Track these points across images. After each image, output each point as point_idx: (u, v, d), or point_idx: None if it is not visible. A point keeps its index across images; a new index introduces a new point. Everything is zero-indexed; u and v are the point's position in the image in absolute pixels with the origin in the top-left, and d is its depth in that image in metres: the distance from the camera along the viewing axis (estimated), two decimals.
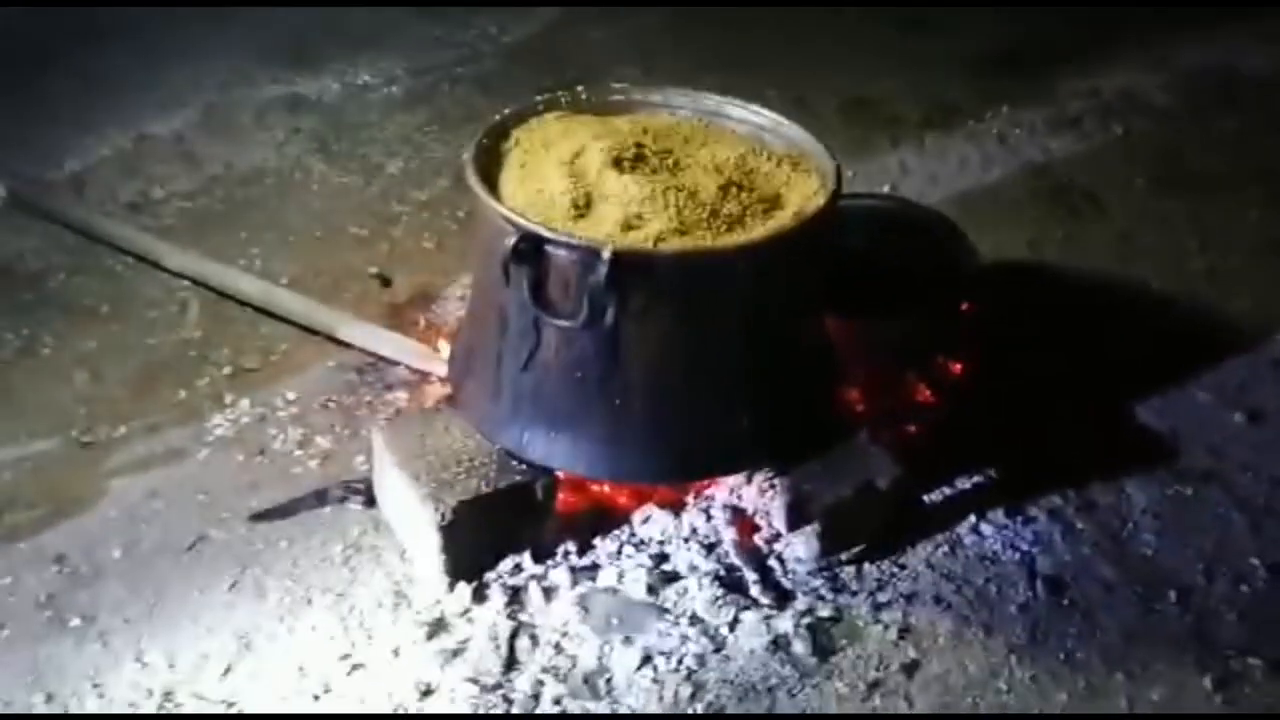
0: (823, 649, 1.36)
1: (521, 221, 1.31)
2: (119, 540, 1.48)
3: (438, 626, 1.37)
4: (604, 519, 1.49)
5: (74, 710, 1.29)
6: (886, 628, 1.39)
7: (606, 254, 1.26)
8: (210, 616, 1.38)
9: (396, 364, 1.72)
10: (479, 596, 1.39)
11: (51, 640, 1.36)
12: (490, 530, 1.40)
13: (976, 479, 1.58)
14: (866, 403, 1.63)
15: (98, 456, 1.60)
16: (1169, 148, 2.36)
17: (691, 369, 1.37)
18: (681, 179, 1.39)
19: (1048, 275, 2.02)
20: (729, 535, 1.46)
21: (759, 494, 1.48)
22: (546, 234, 1.30)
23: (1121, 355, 1.83)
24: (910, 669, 1.36)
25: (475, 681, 1.31)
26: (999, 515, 1.54)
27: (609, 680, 1.32)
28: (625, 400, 1.37)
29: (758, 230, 1.35)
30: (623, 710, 1.29)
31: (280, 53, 2.55)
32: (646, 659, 1.34)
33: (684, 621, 1.37)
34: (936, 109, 2.44)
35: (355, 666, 1.33)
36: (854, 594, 1.43)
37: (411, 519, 1.42)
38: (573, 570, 1.42)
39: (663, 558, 1.44)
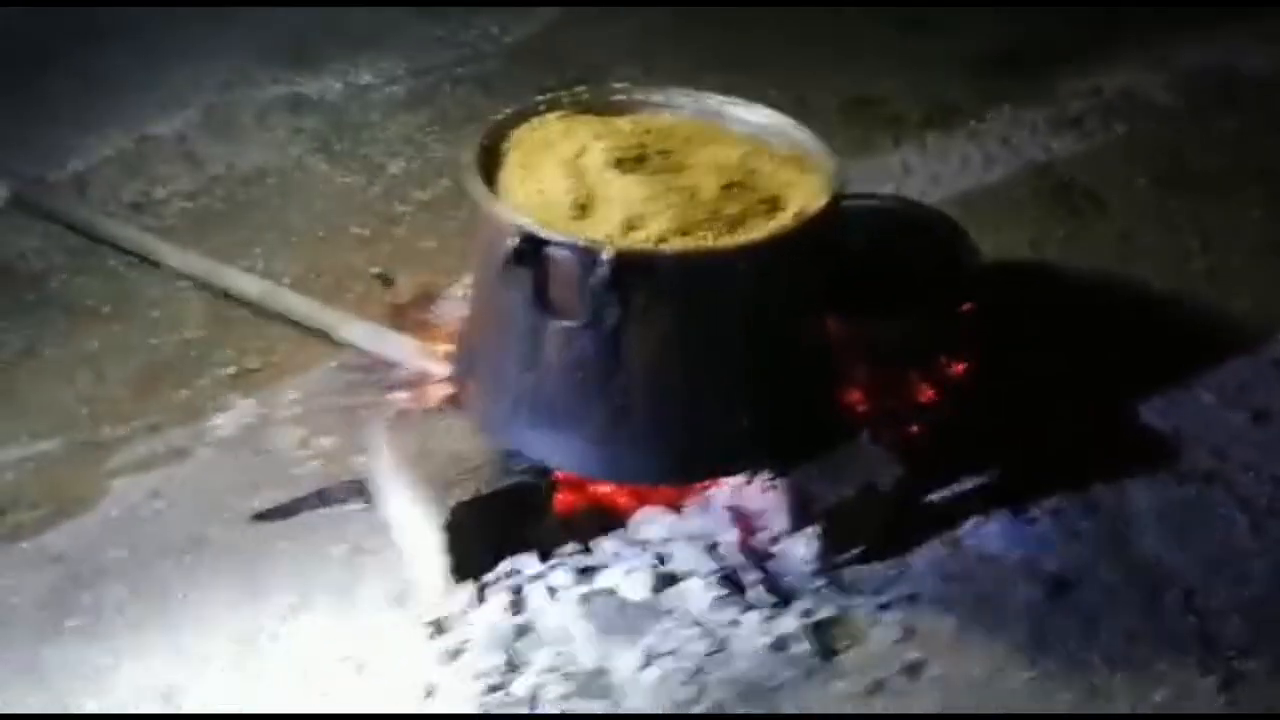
0: (824, 650, 1.36)
1: (522, 222, 1.31)
2: (121, 540, 1.48)
3: (439, 627, 1.37)
4: (605, 519, 1.48)
5: (74, 711, 1.29)
6: (888, 629, 1.39)
7: (607, 255, 1.26)
8: (211, 617, 1.39)
9: (398, 364, 1.72)
10: (480, 597, 1.39)
11: (53, 640, 1.36)
12: (492, 531, 1.40)
13: (978, 479, 1.58)
14: (868, 403, 1.62)
15: (100, 456, 1.60)
16: (1170, 147, 2.36)
17: (693, 369, 1.37)
18: (683, 179, 1.39)
19: (1049, 275, 2.02)
20: (730, 536, 1.46)
21: (760, 494, 1.48)
22: (547, 235, 1.30)
23: (1123, 355, 1.82)
24: (912, 670, 1.36)
25: (476, 682, 1.31)
26: (1000, 516, 1.54)
27: (610, 681, 1.32)
28: (626, 401, 1.37)
29: (759, 231, 1.35)
30: (624, 711, 1.29)
31: (281, 53, 2.56)
32: (648, 660, 1.34)
33: (685, 622, 1.37)
34: (938, 109, 2.44)
35: (357, 667, 1.34)
36: (855, 595, 1.43)
37: (413, 519, 1.42)
38: (574, 571, 1.42)
39: (664, 559, 1.44)
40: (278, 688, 1.31)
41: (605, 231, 1.32)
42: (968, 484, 1.58)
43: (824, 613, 1.40)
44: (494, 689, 1.31)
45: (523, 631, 1.36)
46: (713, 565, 1.43)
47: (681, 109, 1.55)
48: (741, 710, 1.30)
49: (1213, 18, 2.74)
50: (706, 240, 1.32)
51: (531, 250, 1.30)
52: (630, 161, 1.41)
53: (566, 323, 1.32)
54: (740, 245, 1.33)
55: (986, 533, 1.52)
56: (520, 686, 1.31)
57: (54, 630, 1.37)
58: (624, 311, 1.30)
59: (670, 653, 1.34)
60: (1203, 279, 2.02)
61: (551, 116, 1.50)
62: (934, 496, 1.56)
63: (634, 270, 1.28)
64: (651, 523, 1.48)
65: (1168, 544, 1.52)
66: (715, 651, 1.35)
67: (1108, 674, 1.36)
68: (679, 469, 1.44)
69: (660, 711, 1.30)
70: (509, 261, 1.30)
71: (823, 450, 1.46)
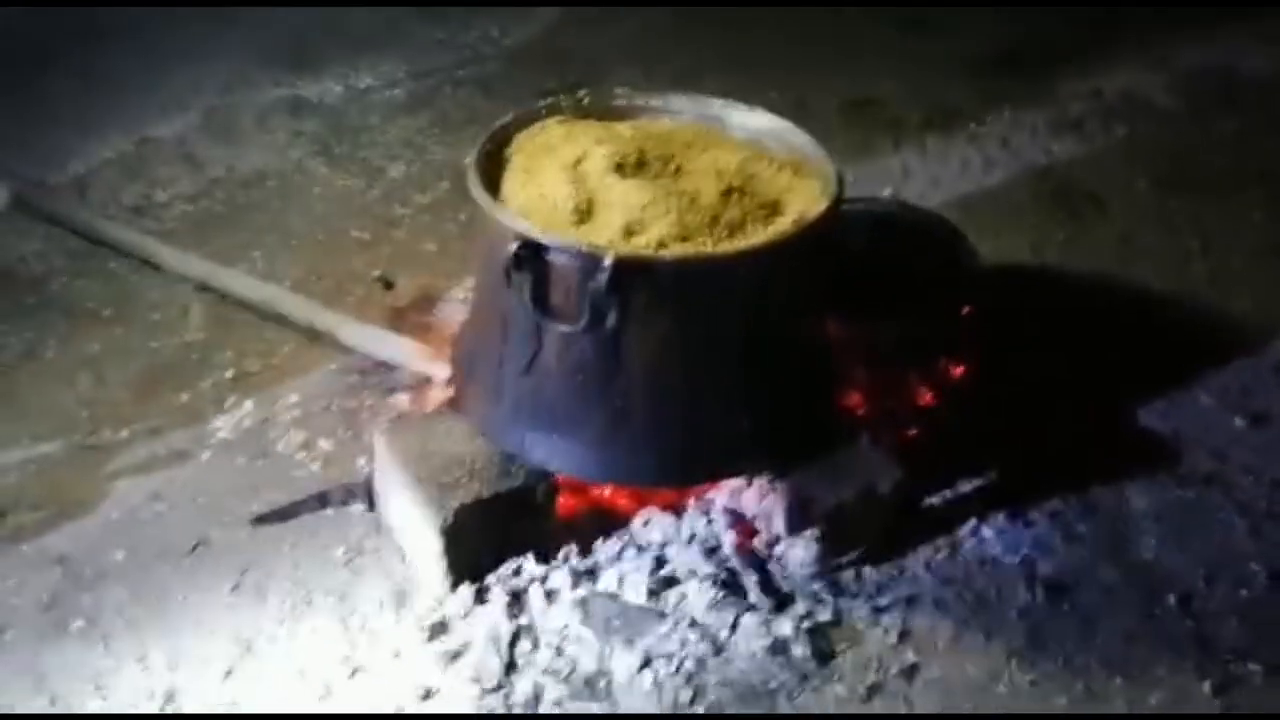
0: (822, 652, 1.37)
1: (523, 228, 1.31)
2: (121, 543, 1.48)
3: (439, 629, 1.37)
4: (605, 522, 1.49)
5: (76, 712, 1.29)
6: (886, 631, 1.39)
7: (608, 260, 1.27)
8: (212, 619, 1.39)
9: (398, 367, 1.72)
10: (480, 599, 1.39)
11: (54, 642, 1.36)
12: (491, 533, 1.41)
13: (977, 482, 1.58)
14: (867, 405, 1.63)
15: (100, 459, 1.61)
16: (1171, 149, 2.36)
17: (692, 373, 1.37)
18: (683, 184, 1.40)
19: (1049, 277, 2.02)
20: (729, 538, 1.47)
21: (759, 497, 1.48)
22: (548, 240, 1.30)
23: (1123, 358, 1.83)
24: (910, 672, 1.36)
25: (476, 684, 1.31)
26: (999, 519, 1.54)
27: (609, 683, 1.33)
28: (626, 404, 1.37)
29: (759, 236, 1.35)
30: (623, 713, 1.30)
31: (281, 55, 2.56)
32: (646, 662, 1.34)
33: (684, 625, 1.38)
34: (938, 111, 2.44)
35: (356, 669, 1.34)
36: (854, 597, 1.43)
37: (413, 522, 1.42)
38: (573, 573, 1.42)
39: (663, 561, 1.45)
40: (278, 690, 1.32)
41: (605, 237, 1.33)
42: (967, 486, 1.58)
43: (822, 615, 1.40)
44: (493, 691, 1.31)
45: (522, 633, 1.36)
46: (712, 568, 1.43)
47: (681, 114, 1.55)
48: (739, 712, 1.31)
49: (1213, 18, 2.74)
50: (706, 246, 1.33)
51: (532, 255, 1.30)
52: (631, 166, 1.41)
53: (566, 327, 1.32)
54: (739, 251, 1.33)
55: (985, 535, 1.52)
56: (520, 688, 1.31)
57: (55, 632, 1.37)
58: (624, 316, 1.30)
59: (669, 655, 1.35)
60: (1203, 281, 2.02)
61: (552, 122, 1.51)
62: (933, 499, 1.56)
63: (634, 275, 1.29)
64: (651, 525, 1.48)
65: (1166, 547, 1.53)
66: (714, 654, 1.35)
67: (1105, 677, 1.37)
68: (678, 472, 1.44)
69: (659, 713, 1.30)
70: (510, 266, 1.30)
71: (822, 453, 1.46)
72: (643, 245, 1.32)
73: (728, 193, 1.38)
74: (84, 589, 1.42)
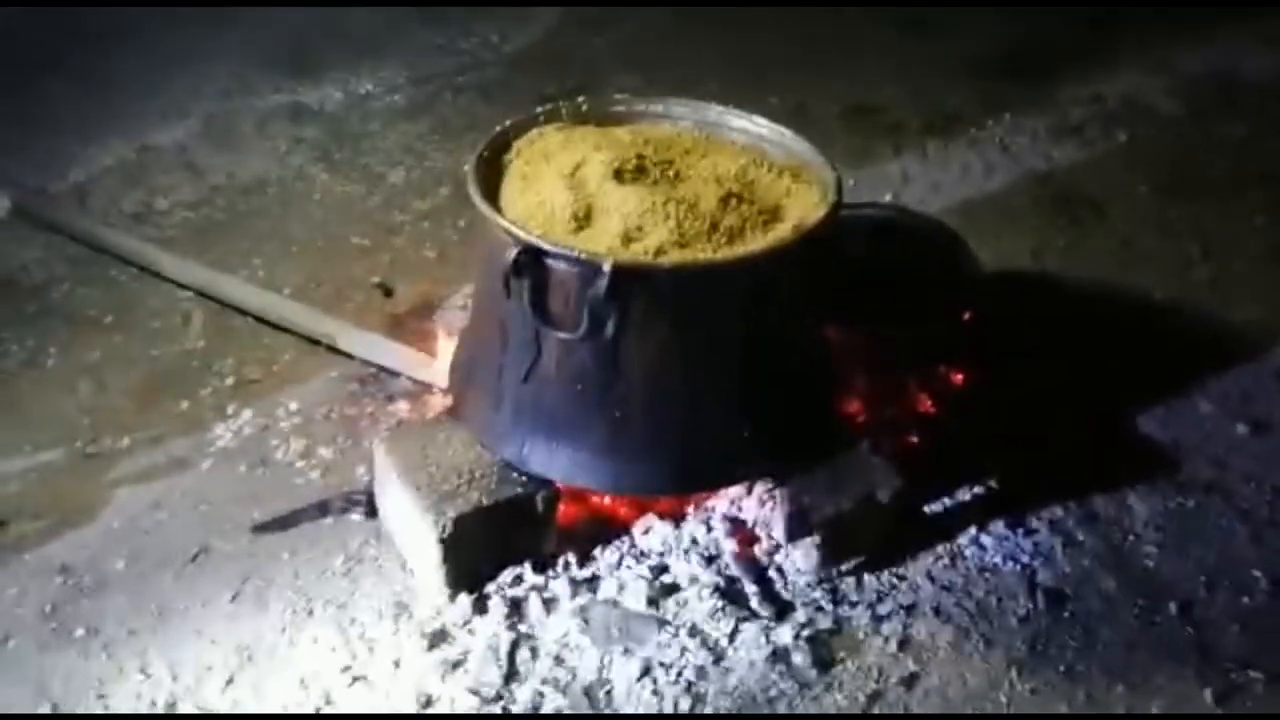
0: (822, 661, 1.36)
1: (522, 234, 1.31)
2: (122, 551, 1.48)
3: (438, 638, 1.37)
4: (604, 530, 1.49)
5: None
6: (886, 640, 1.39)
7: (607, 267, 1.27)
8: (212, 628, 1.39)
9: (398, 375, 1.72)
10: (479, 608, 1.39)
11: (56, 651, 1.36)
12: (491, 542, 1.40)
13: (977, 490, 1.58)
14: (867, 412, 1.62)
15: (101, 467, 1.61)
16: (1172, 154, 2.36)
17: (692, 381, 1.37)
18: (682, 191, 1.39)
19: (1050, 284, 2.02)
20: (729, 546, 1.47)
21: (759, 505, 1.48)
22: (547, 247, 1.30)
23: (1123, 364, 1.82)
24: (910, 681, 1.36)
25: (475, 693, 1.31)
26: (1000, 526, 1.54)
27: (609, 692, 1.33)
28: (625, 412, 1.37)
29: (758, 242, 1.35)
30: None
31: (281, 61, 2.56)
32: (646, 670, 1.34)
33: (684, 633, 1.37)
34: (938, 116, 2.44)
35: (356, 678, 1.34)
36: (854, 605, 1.43)
37: (413, 530, 1.42)
38: (573, 582, 1.42)
39: (663, 569, 1.44)
40: (278, 699, 1.32)
41: (605, 243, 1.33)
42: (967, 493, 1.58)
43: (822, 623, 1.40)
44: (493, 700, 1.31)
45: (522, 642, 1.36)
46: (712, 576, 1.43)
47: (681, 120, 1.55)
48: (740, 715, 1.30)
49: (1213, 20, 2.73)
50: (705, 252, 1.33)
51: (531, 261, 1.30)
52: (630, 173, 1.41)
53: (565, 334, 1.32)
54: (738, 258, 1.33)
55: (985, 543, 1.52)
56: (519, 697, 1.31)
57: (56, 640, 1.37)
58: (623, 323, 1.30)
59: (669, 664, 1.35)
60: (1204, 287, 2.01)
61: (551, 128, 1.51)
62: (933, 506, 1.56)
63: (633, 282, 1.29)
64: (651, 533, 1.48)
65: (1167, 554, 1.52)
66: (714, 662, 1.35)
67: (1106, 685, 1.36)
68: (678, 480, 1.44)
69: (659, 712, 1.30)
70: (509, 272, 1.30)
71: (822, 460, 1.46)
72: (641, 252, 1.32)
73: (727, 199, 1.38)
74: (85, 597, 1.42)
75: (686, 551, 1.46)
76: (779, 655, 1.36)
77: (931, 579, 1.47)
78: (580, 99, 1.58)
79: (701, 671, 1.34)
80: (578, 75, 2.50)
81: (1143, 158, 2.35)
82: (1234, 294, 1.99)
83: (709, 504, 1.51)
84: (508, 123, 1.51)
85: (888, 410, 1.64)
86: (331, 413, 1.69)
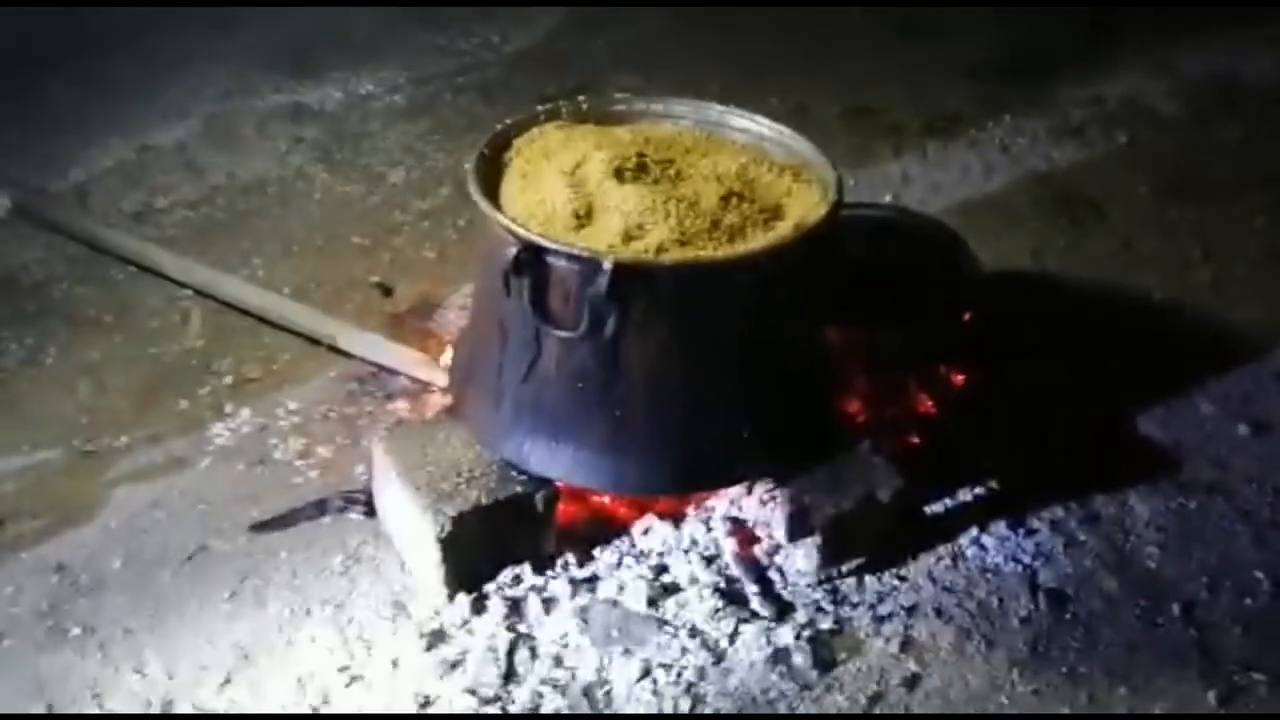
0: (823, 662, 1.36)
1: (522, 232, 1.31)
2: (120, 550, 1.48)
3: (437, 638, 1.36)
4: (604, 530, 1.48)
5: None
6: (887, 640, 1.39)
7: (607, 265, 1.26)
8: (210, 627, 1.39)
9: (397, 374, 1.72)
10: (478, 608, 1.39)
11: (52, 650, 1.36)
12: (490, 541, 1.40)
13: (978, 490, 1.58)
14: (868, 412, 1.62)
15: (100, 466, 1.60)
16: (1172, 156, 2.36)
17: (692, 380, 1.37)
18: (683, 189, 1.39)
19: (1049, 284, 2.01)
20: (729, 547, 1.46)
21: (760, 505, 1.48)
22: (547, 245, 1.30)
23: (1124, 365, 1.82)
24: (911, 682, 1.35)
25: (474, 693, 1.31)
26: (1001, 527, 1.53)
27: (608, 692, 1.32)
28: (626, 411, 1.37)
29: (758, 241, 1.35)
30: None
31: (282, 62, 2.56)
32: (646, 671, 1.33)
33: (684, 633, 1.37)
34: (939, 117, 2.44)
35: (354, 678, 1.33)
36: (855, 606, 1.42)
37: (411, 530, 1.42)
38: (572, 582, 1.42)
39: (663, 569, 1.44)
40: (275, 699, 1.31)
41: (605, 241, 1.32)
42: (968, 494, 1.57)
43: (823, 624, 1.40)
44: (492, 700, 1.30)
45: (521, 642, 1.36)
46: (712, 576, 1.43)
47: (681, 119, 1.55)
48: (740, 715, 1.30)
49: (1214, 21, 2.73)
50: (706, 251, 1.33)
51: (531, 259, 1.30)
52: (630, 171, 1.41)
53: (566, 333, 1.32)
54: (739, 256, 1.32)
55: (986, 543, 1.51)
56: (518, 698, 1.31)
57: (53, 640, 1.37)
58: (623, 321, 1.30)
59: (669, 664, 1.34)
60: (1204, 288, 2.01)
61: (551, 126, 1.50)
62: (934, 506, 1.55)
63: (633, 281, 1.28)
64: (651, 533, 1.48)
65: (1169, 555, 1.52)
66: (714, 663, 1.35)
67: (1108, 686, 1.36)
68: (678, 479, 1.43)
69: (658, 712, 1.29)
70: (509, 271, 1.30)
71: (823, 460, 1.45)
72: (642, 250, 1.31)
73: (727, 198, 1.38)
74: (82, 596, 1.42)
75: (686, 551, 1.46)
76: (779, 656, 1.36)
77: (933, 579, 1.46)
78: (581, 98, 1.58)
79: (701, 672, 1.34)
80: (578, 76, 2.50)
81: (1143, 159, 2.35)
82: (1234, 295, 1.99)
83: (709, 504, 1.50)
84: (508, 121, 1.51)
85: (888, 410, 1.64)
86: (330, 412, 1.68)
